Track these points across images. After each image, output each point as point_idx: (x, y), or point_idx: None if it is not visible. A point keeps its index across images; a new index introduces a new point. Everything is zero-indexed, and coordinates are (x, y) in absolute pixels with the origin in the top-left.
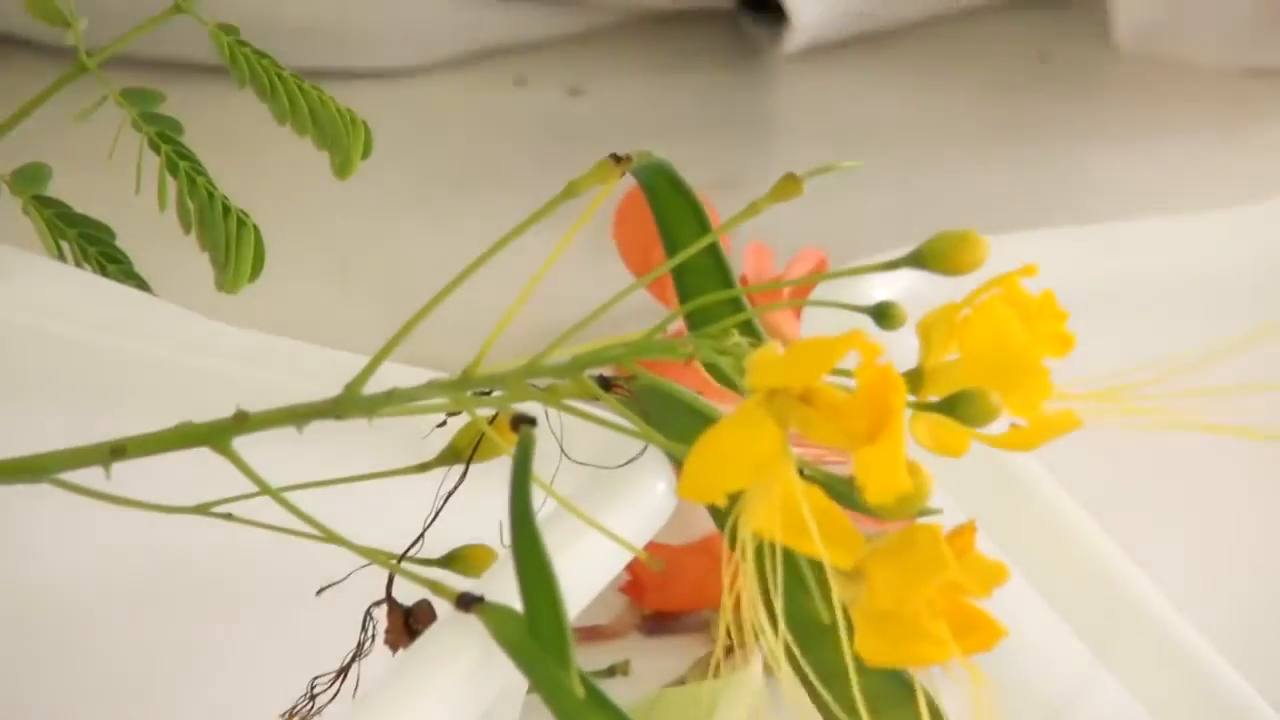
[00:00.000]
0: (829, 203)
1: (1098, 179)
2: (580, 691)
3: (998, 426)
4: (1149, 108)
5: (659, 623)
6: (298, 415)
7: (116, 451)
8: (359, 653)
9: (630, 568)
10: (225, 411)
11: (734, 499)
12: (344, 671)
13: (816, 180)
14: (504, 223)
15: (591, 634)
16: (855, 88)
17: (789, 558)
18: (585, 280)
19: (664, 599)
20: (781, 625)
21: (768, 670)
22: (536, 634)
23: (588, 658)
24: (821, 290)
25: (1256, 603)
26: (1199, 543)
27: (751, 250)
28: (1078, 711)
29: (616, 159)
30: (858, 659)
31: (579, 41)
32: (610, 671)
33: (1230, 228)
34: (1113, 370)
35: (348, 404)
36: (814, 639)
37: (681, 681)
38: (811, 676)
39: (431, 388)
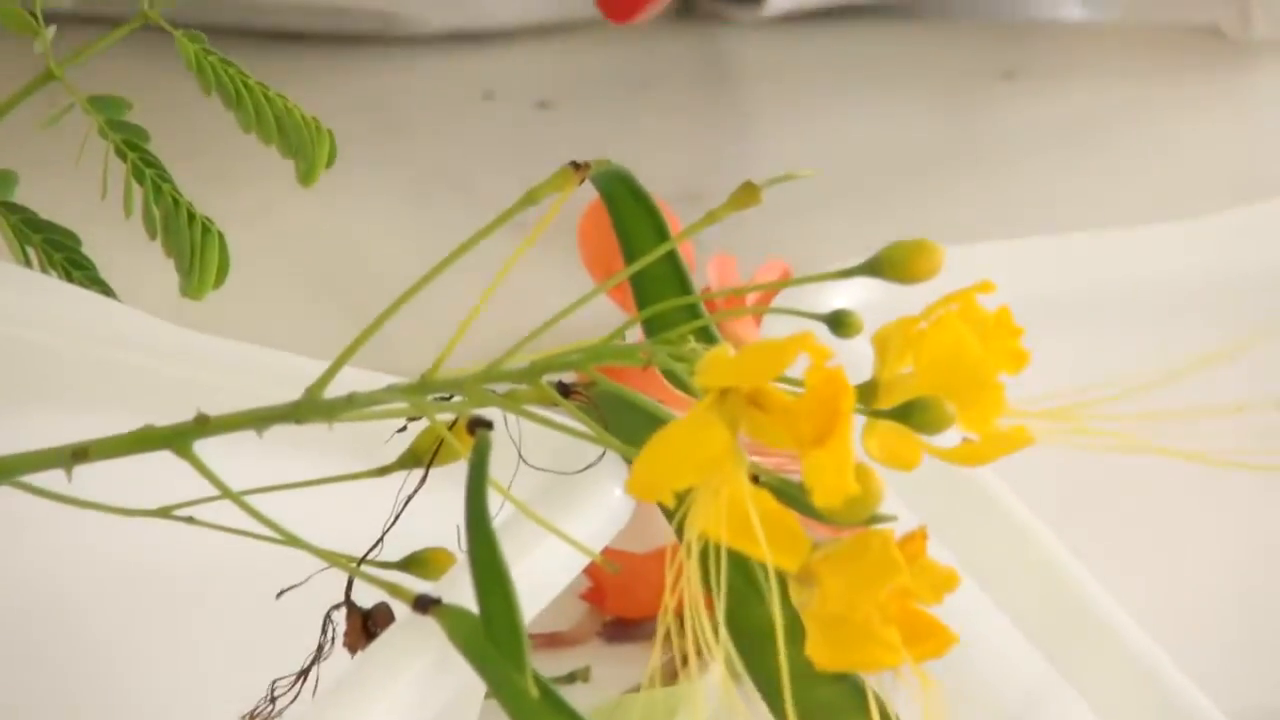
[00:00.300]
0: (798, 216)
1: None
2: (535, 692)
3: (950, 440)
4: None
5: (620, 630)
6: (258, 419)
7: (78, 454)
8: (319, 655)
9: (591, 575)
10: (187, 415)
11: (683, 499)
12: (304, 674)
13: (785, 194)
14: (471, 233)
15: (552, 641)
16: (826, 100)
17: (745, 564)
18: (553, 290)
19: (625, 606)
20: (722, 627)
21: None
22: (492, 636)
23: (548, 665)
24: (782, 299)
25: (1210, 612)
26: (1153, 553)
27: (716, 262)
28: (1032, 719)
29: (576, 166)
30: (810, 665)
31: (548, 55)
32: (571, 678)
33: (1187, 241)
34: (1067, 384)
35: (307, 408)
36: (767, 645)
37: (641, 688)
38: (761, 683)
39: (390, 392)
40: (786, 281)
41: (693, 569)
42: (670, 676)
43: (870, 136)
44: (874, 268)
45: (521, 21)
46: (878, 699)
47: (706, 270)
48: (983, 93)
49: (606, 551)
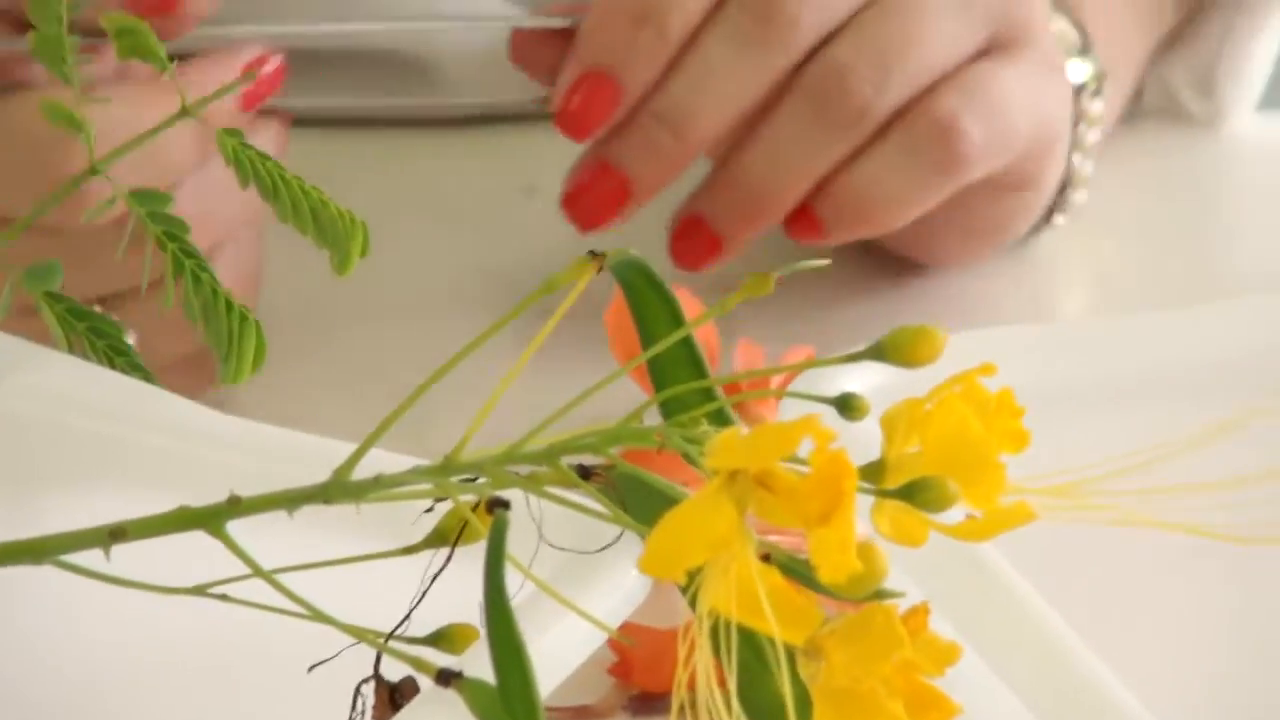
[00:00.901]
0: (829, 303)
1: None
2: None
3: (955, 517)
4: None
5: (645, 703)
6: (289, 500)
7: (116, 534)
8: None
9: (617, 650)
10: (220, 496)
11: (695, 576)
12: None
13: (809, 283)
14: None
15: (580, 714)
16: None
17: (753, 638)
18: (585, 376)
19: (650, 679)
20: (735, 701)
21: None
22: (509, 708)
23: None
24: (800, 383)
25: (1204, 684)
26: (1148, 628)
27: (742, 348)
28: None
29: (593, 255)
30: None
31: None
32: None
33: (1182, 327)
34: (1066, 465)
35: (335, 490)
36: (778, 717)
37: None
38: None
39: (415, 473)
40: (799, 365)
41: (704, 644)
42: None
43: None
44: (878, 353)
45: None
46: None
47: (734, 356)
48: None
49: (629, 627)
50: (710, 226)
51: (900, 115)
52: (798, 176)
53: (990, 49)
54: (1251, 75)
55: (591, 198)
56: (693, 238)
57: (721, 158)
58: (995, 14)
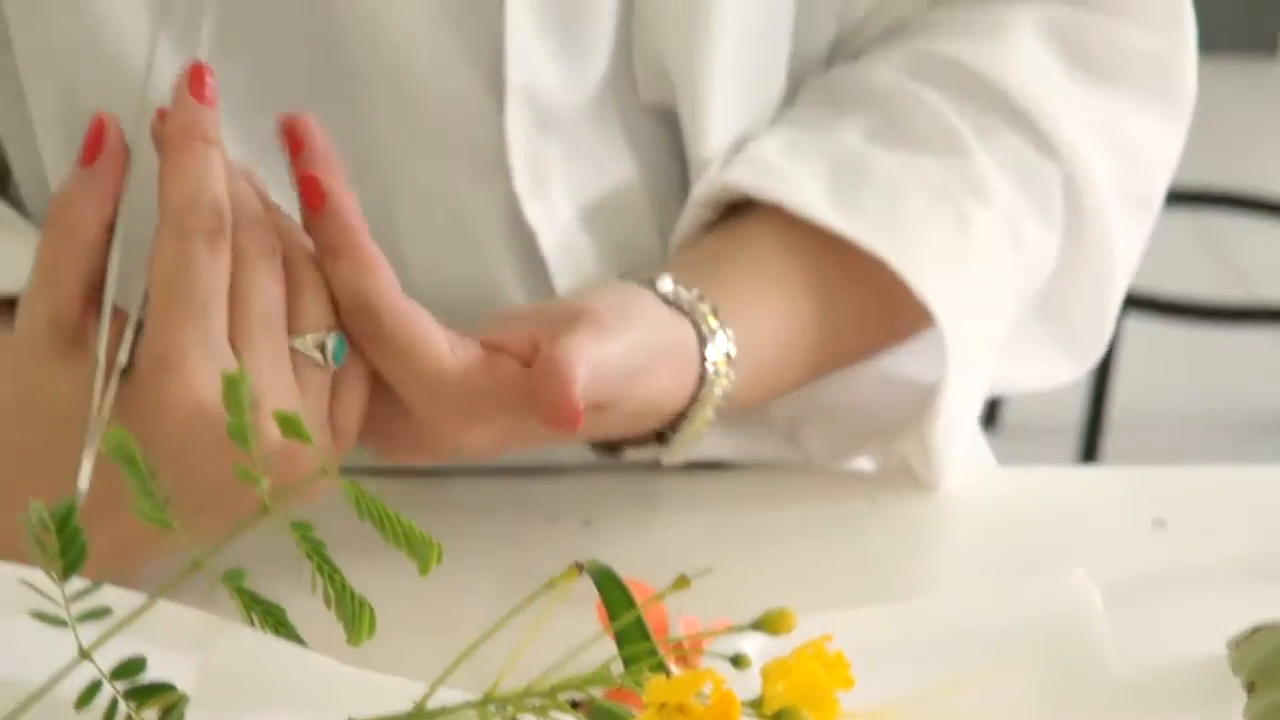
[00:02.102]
0: (753, 594)
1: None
2: None
3: None
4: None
5: None
6: None
7: None
8: None
9: None
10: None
11: None
12: None
13: (743, 582)
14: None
15: None
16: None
17: None
18: (583, 637)
19: None
20: None
21: None
22: None
23: None
24: (715, 645)
25: None
26: None
27: (684, 620)
28: None
29: (578, 565)
30: None
31: (591, 485)
32: None
33: (951, 610)
34: (880, 699)
35: (416, 716)
36: None
37: None
38: None
39: (466, 705)
40: (711, 633)
41: None
42: None
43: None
44: (756, 626)
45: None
46: None
47: (679, 625)
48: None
49: None
50: None
51: None
52: None
53: None
54: (954, 450)
55: None
56: None
57: None
58: None
